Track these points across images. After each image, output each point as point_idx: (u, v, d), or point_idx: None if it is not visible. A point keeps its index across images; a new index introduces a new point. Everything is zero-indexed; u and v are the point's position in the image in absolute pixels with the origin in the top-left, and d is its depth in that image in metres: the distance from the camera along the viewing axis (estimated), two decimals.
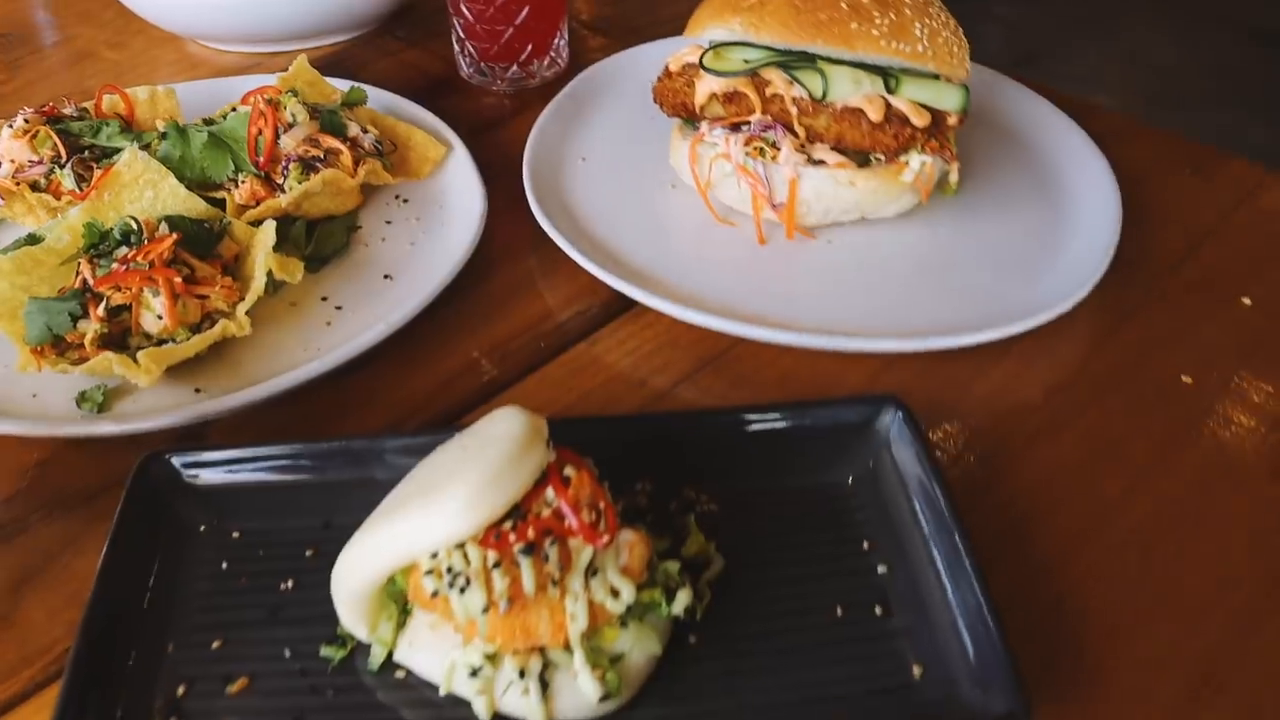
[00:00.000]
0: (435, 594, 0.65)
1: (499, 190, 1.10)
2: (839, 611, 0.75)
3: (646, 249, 1.04)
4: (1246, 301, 1.00)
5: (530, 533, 0.65)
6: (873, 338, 0.93)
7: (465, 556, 0.65)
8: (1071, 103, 1.22)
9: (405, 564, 0.67)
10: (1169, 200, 1.12)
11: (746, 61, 1.02)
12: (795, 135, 1.01)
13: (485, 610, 0.65)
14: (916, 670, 0.71)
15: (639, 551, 0.70)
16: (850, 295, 1.00)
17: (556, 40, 1.30)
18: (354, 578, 0.70)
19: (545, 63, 1.31)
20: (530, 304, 1.03)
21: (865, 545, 0.79)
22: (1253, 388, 0.93)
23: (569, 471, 0.69)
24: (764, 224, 1.05)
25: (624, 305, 1.02)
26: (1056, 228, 1.06)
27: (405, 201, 1.11)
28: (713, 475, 0.83)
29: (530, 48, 1.27)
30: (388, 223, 1.09)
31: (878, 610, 0.75)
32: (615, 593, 0.68)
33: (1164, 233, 1.08)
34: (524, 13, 1.23)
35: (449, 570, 0.65)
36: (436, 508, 0.65)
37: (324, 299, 1.00)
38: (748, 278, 1.01)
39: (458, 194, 1.10)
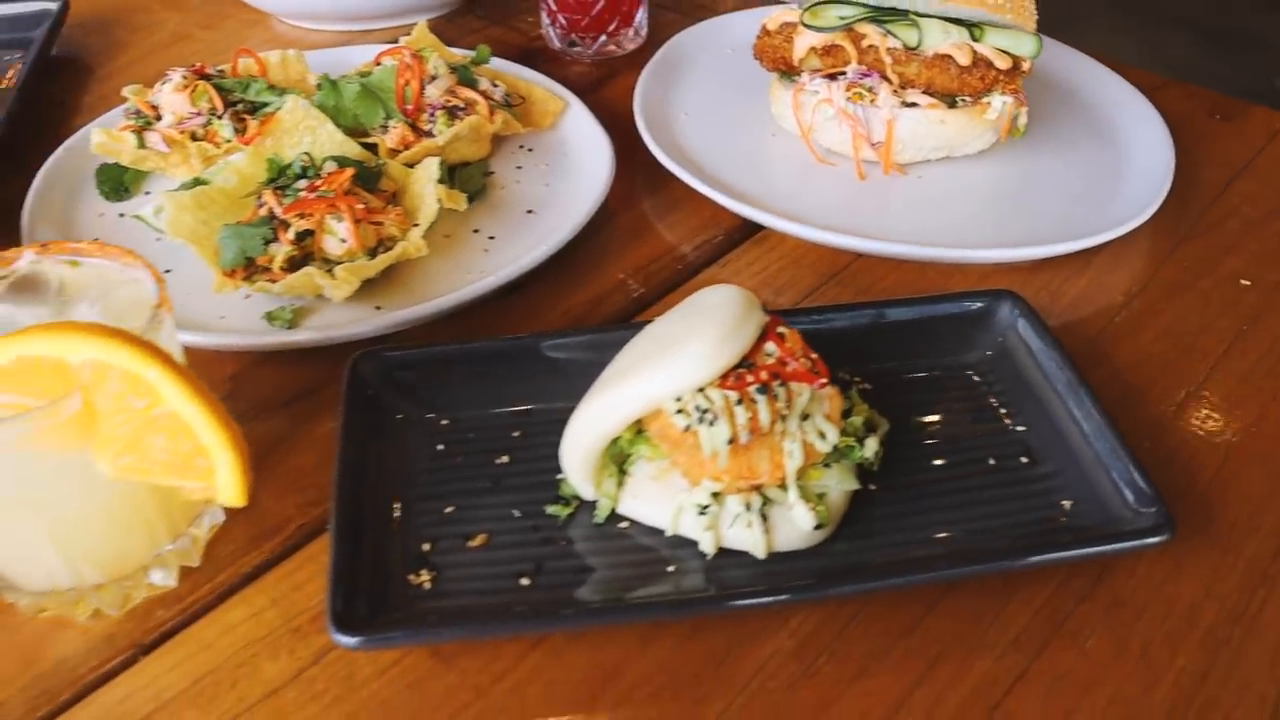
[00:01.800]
0: (687, 429, 0.75)
1: None
2: (991, 462, 0.87)
3: (756, 188, 1.15)
4: None
5: (763, 375, 0.76)
6: (981, 248, 1.06)
7: (708, 398, 0.76)
8: (1102, 61, 1.37)
9: (652, 409, 0.77)
10: (1202, 142, 1.27)
11: (841, 18, 1.15)
12: (889, 81, 1.14)
13: (730, 441, 0.75)
14: (1067, 504, 0.83)
15: (836, 403, 0.81)
16: (945, 220, 1.13)
17: (639, 14, 1.42)
18: (593, 432, 0.79)
19: (630, 34, 1.43)
20: (655, 239, 1.14)
21: (1003, 410, 0.91)
22: None
23: (782, 330, 0.80)
24: (863, 163, 1.18)
25: (746, 234, 1.13)
26: (1114, 162, 1.20)
27: (530, 150, 1.22)
28: (862, 361, 0.95)
29: (617, 20, 1.39)
30: (518, 167, 1.19)
31: (1024, 460, 0.87)
32: (821, 435, 0.79)
33: (1203, 170, 1.23)
34: None
35: (697, 409, 0.75)
36: (682, 357, 0.76)
37: (475, 231, 1.10)
38: (852, 209, 1.14)
39: (580, 141, 1.21)
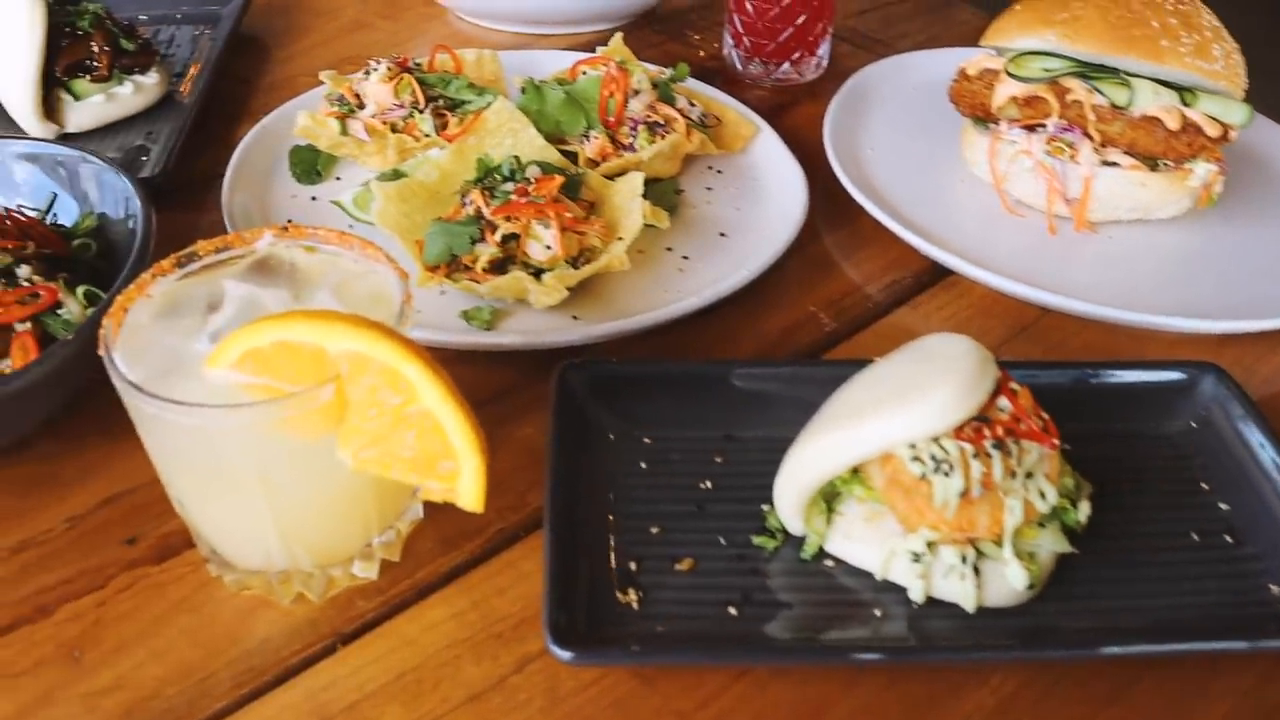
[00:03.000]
0: (922, 477, 0.75)
1: None
2: (1194, 537, 0.86)
3: (943, 232, 1.15)
4: None
5: (999, 431, 0.76)
6: (1177, 315, 1.05)
7: (943, 448, 0.76)
8: None
9: (885, 452, 0.77)
10: None
11: (1047, 70, 1.15)
12: (1090, 138, 1.14)
13: (961, 494, 0.75)
14: (1275, 589, 0.82)
15: (1055, 463, 0.81)
16: (1134, 282, 1.12)
17: (824, 45, 1.43)
18: (818, 467, 0.79)
19: (813, 64, 1.43)
20: (840, 275, 1.14)
21: (1205, 486, 0.90)
22: None
23: (1014, 386, 0.80)
24: (1054, 217, 1.17)
25: (934, 278, 1.13)
26: None
27: (719, 173, 1.23)
28: (1060, 420, 0.94)
29: (802, 50, 1.40)
30: (708, 189, 1.20)
31: (1228, 539, 0.86)
32: (1041, 495, 0.79)
33: None
34: (802, 17, 1.36)
35: (933, 457, 0.75)
36: (924, 404, 0.75)
37: (668, 249, 1.11)
38: (1040, 262, 1.13)
39: (769, 167, 1.22)
